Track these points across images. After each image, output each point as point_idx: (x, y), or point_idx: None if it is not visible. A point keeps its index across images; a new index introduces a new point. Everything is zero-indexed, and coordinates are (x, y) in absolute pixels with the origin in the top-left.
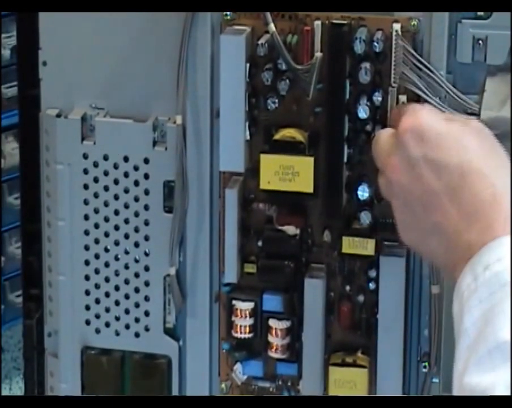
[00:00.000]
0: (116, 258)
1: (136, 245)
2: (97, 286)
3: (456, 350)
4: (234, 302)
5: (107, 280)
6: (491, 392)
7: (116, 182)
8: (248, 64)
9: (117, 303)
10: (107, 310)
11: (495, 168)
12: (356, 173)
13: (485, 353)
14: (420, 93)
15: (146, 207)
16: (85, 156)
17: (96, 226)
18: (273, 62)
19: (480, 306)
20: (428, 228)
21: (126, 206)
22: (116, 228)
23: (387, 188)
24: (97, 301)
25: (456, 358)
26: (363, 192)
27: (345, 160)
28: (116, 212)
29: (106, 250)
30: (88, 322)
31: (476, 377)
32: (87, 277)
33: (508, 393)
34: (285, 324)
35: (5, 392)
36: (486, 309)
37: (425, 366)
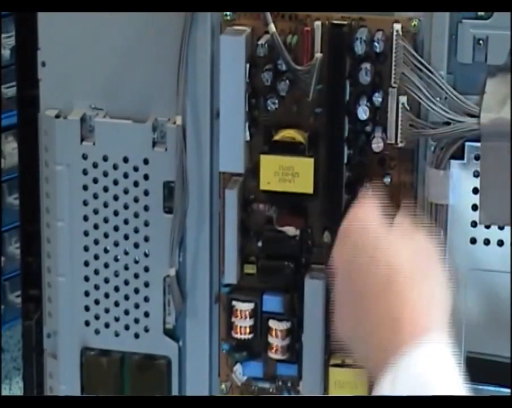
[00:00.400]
0: (116, 259)
1: (136, 245)
2: (96, 287)
3: None
4: (234, 303)
5: (106, 281)
6: None
7: (115, 182)
8: (248, 65)
9: (117, 304)
10: (107, 311)
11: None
12: (356, 174)
13: None
14: (420, 94)
15: (146, 208)
16: (85, 157)
17: (96, 227)
18: (273, 62)
19: None
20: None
21: (126, 207)
22: (116, 228)
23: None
24: (97, 302)
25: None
26: None
27: (345, 160)
28: (116, 213)
29: (106, 250)
30: (87, 323)
31: None
32: (86, 278)
33: None
34: (285, 325)
35: (5, 392)
36: None
37: None
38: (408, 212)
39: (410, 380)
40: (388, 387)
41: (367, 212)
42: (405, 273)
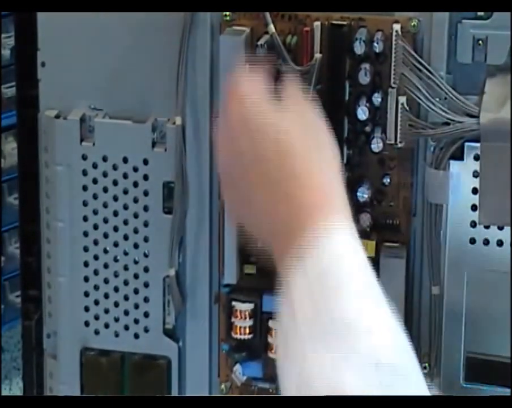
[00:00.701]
0: (116, 259)
1: (136, 246)
2: (96, 287)
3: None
4: (233, 303)
5: (106, 281)
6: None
7: (115, 183)
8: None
9: (116, 304)
10: (107, 311)
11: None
12: (356, 174)
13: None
14: (419, 94)
15: (145, 208)
16: (84, 157)
17: (95, 227)
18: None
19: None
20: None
21: (125, 207)
22: (116, 229)
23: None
24: (96, 302)
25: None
26: (363, 194)
27: (345, 161)
28: (116, 213)
29: (106, 251)
30: (87, 323)
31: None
32: (86, 279)
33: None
34: None
35: (5, 392)
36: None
37: (425, 367)
38: (294, 85)
39: (321, 275)
40: (301, 281)
41: (250, 88)
42: (298, 151)
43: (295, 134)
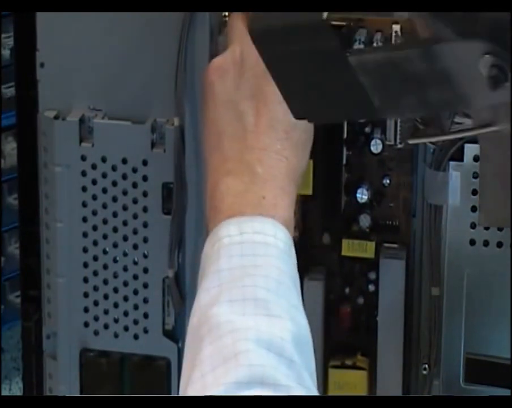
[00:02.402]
0: (115, 260)
1: (135, 247)
2: (95, 288)
3: (202, 283)
4: None
5: (105, 282)
6: (236, 333)
7: (114, 184)
8: None
9: (116, 305)
10: (106, 312)
11: None
12: (355, 175)
13: (239, 298)
14: None
15: (145, 209)
16: (83, 158)
17: (94, 228)
18: None
19: (241, 258)
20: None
21: (125, 208)
22: (115, 230)
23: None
24: (96, 303)
25: (203, 288)
26: (362, 195)
27: (344, 162)
28: (115, 214)
29: (105, 252)
30: (86, 324)
31: (226, 314)
32: (86, 279)
33: (250, 343)
34: None
35: (5, 392)
36: (247, 265)
37: (424, 369)
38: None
39: (259, 244)
40: (236, 237)
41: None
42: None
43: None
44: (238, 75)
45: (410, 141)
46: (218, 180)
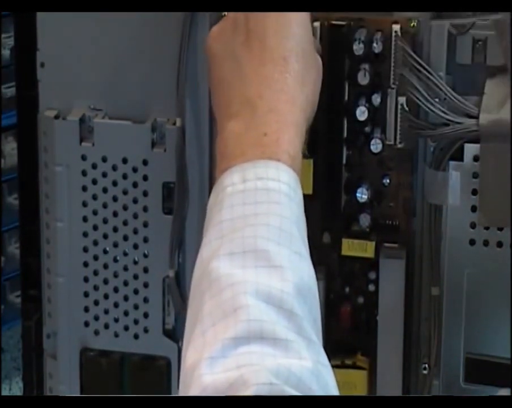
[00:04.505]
0: (115, 260)
1: (135, 246)
2: (96, 288)
3: (206, 235)
4: None
5: (106, 281)
6: (235, 287)
7: (115, 183)
8: None
9: (116, 305)
10: (106, 311)
11: None
12: (355, 175)
13: (239, 250)
14: (419, 95)
15: (145, 209)
16: (84, 158)
17: (95, 228)
18: None
19: (242, 208)
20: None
21: (125, 208)
22: (115, 229)
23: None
24: (96, 303)
25: (206, 240)
26: (362, 194)
27: (344, 161)
28: (115, 214)
29: (105, 251)
30: (86, 324)
31: (225, 267)
32: (86, 279)
33: (250, 297)
34: None
35: (5, 392)
36: (248, 214)
37: (424, 368)
38: None
39: (261, 190)
40: (239, 185)
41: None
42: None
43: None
44: (232, 30)
45: None
46: (222, 127)
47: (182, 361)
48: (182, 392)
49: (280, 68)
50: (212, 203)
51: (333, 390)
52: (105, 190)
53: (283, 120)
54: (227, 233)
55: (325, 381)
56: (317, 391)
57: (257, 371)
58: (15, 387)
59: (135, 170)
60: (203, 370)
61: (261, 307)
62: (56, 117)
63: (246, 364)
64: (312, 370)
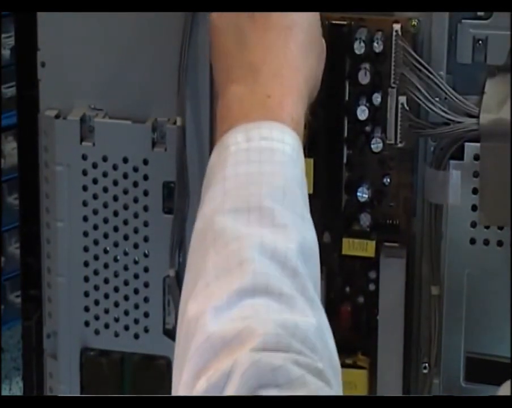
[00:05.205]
0: (116, 259)
1: (136, 246)
2: (96, 287)
3: (208, 191)
4: None
5: (106, 281)
6: (241, 241)
7: (115, 183)
8: None
9: (116, 304)
10: (107, 311)
11: None
12: (356, 174)
13: (244, 207)
14: (419, 95)
15: (145, 208)
16: (84, 157)
17: (95, 227)
18: None
19: (247, 165)
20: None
21: (125, 207)
22: (116, 229)
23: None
24: (96, 302)
25: (209, 196)
26: (362, 194)
27: (345, 161)
28: (116, 213)
29: (106, 251)
30: (87, 323)
31: (230, 222)
32: (86, 279)
33: (255, 252)
34: None
35: (5, 392)
36: (253, 172)
37: (425, 367)
38: None
39: (266, 150)
40: (243, 144)
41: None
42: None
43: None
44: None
45: None
46: (224, 92)
47: (182, 313)
48: (182, 343)
49: (284, 36)
50: (213, 162)
51: (334, 355)
52: (105, 190)
53: (287, 85)
54: (231, 189)
55: (327, 343)
56: (321, 350)
57: (265, 321)
58: (15, 387)
59: (135, 169)
60: (208, 319)
61: (267, 263)
62: (57, 117)
63: (252, 316)
64: (317, 329)
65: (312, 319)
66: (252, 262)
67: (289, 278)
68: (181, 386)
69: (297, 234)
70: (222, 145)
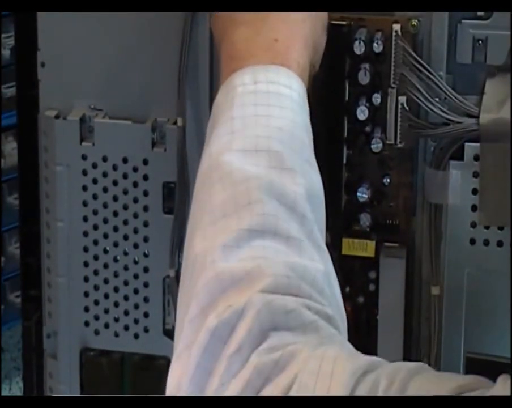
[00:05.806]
0: (116, 259)
1: (136, 246)
2: (96, 287)
3: (214, 130)
4: None
5: (106, 281)
6: (249, 182)
7: (115, 183)
8: None
9: (116, 304)
10: (107, 311)
11: None
12: (356, 175)
13: (252, 148)
14: (419, 95)
15: (145, 208)
16: (84, 157)
17: (95, 227)
18: None
19: (255, 107)
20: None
21: (125, 207)
22: (116, 229)
23: None
24: (96, 303)
25: (215, 135)
26: (362, 194)
27: (345, 161)
28: (116, 213)
29: (105, 251)
30: (87, 323)
31: (238, 162)
32: (86, 279)
33: (263, 194)
34: None
35: (5, 392)
36: (261, 114)
37: None
38: None
39: (273, 94)
40: (250, 86)
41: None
42: None
43: None
44: None
45: None
46: (230, 34)
47: (187, 247)
48: (187, 280)
49: None
50: (220, 101)
51: (341, 304)
52: (105, 190)
53: (294, 31)
54: (238, 129)
55: (335, 291)
56: (328, 296)
57: (274, 263)
58: (15, 387)
59: (135, 169)
60: (216, 256)
61: (275, 205)
62: (57, 117)
63: (262, 257)
64: (324, 274)
65: (320, 265)
66: (261, 202)
67: (297, 222)
68: (187, 323)
69: (305, 179)
70: (230, 84)
